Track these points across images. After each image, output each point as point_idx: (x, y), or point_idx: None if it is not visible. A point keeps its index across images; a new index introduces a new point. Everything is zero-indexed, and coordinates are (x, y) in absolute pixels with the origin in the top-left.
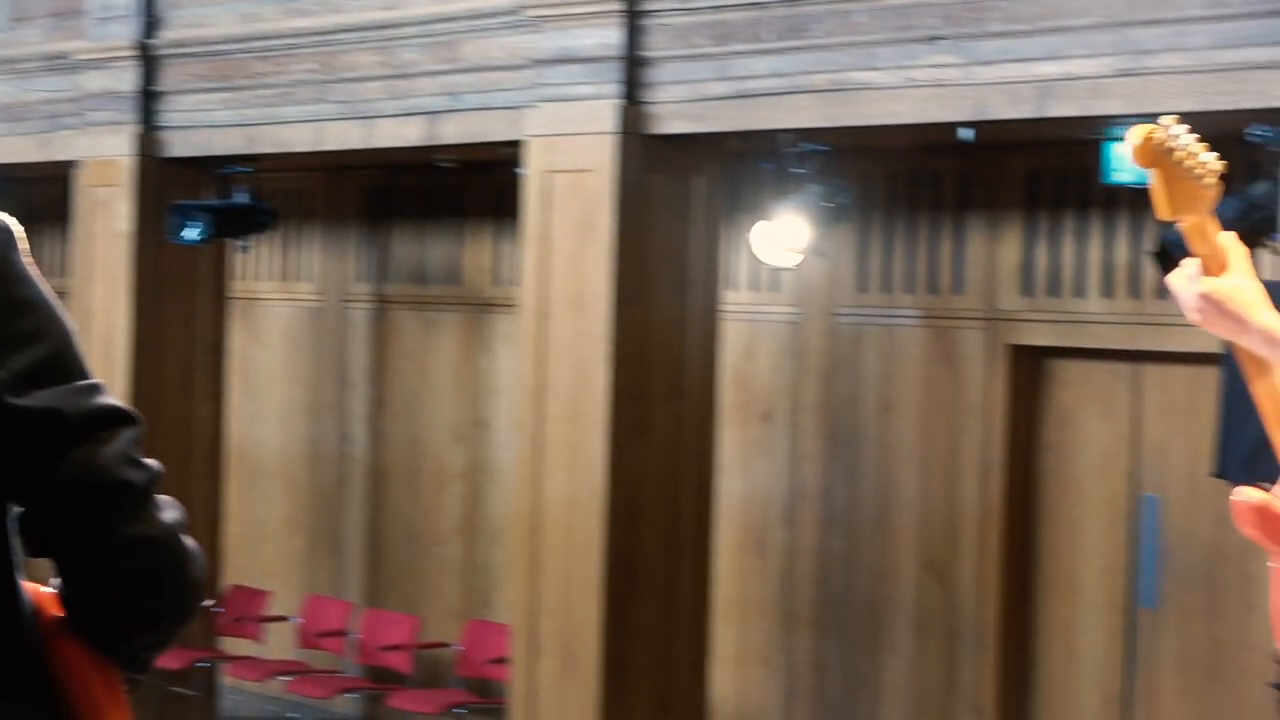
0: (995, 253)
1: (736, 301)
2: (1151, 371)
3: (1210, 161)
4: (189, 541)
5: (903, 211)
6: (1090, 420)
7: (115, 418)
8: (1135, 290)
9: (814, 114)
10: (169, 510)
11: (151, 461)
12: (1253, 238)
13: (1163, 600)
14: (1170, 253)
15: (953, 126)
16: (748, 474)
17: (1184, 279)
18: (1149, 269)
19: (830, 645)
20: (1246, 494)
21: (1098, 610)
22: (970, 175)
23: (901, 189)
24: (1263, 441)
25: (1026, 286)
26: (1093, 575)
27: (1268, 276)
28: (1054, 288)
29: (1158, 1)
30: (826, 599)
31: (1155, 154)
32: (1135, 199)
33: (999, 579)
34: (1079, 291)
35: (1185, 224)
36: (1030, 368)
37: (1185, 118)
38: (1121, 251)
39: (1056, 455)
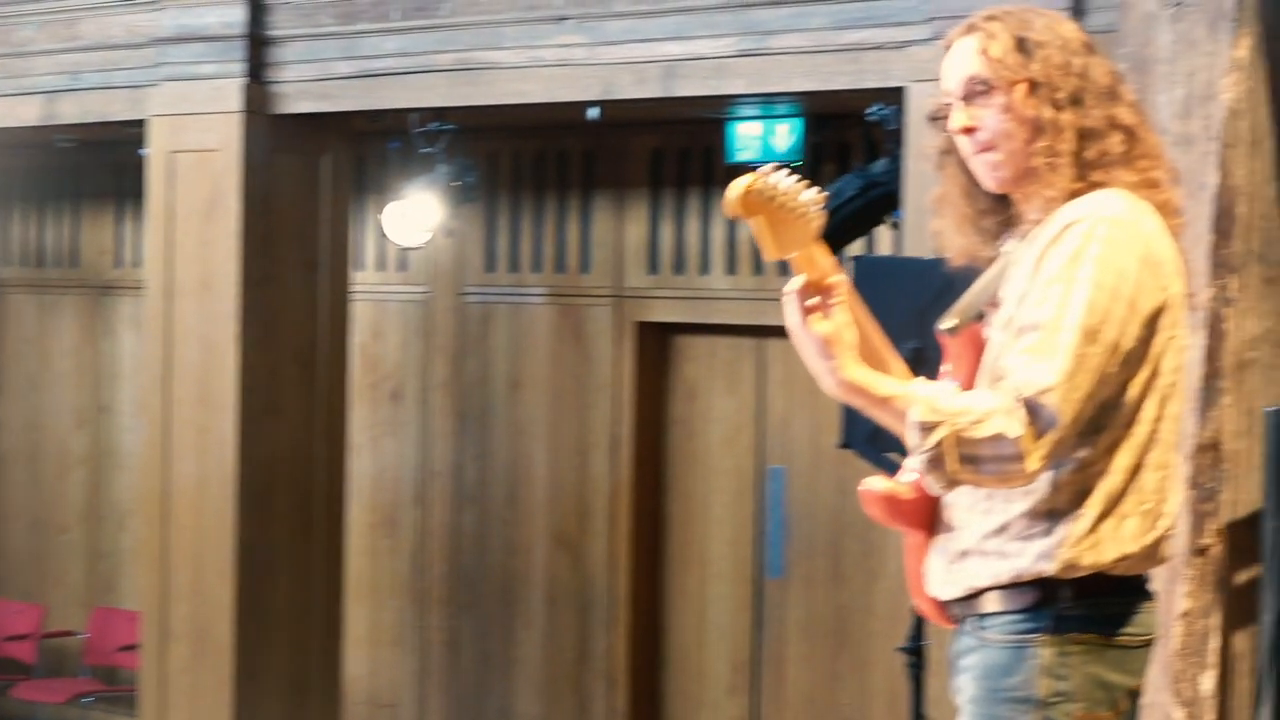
0: (621, 231)
1: (364, 281)
2: (775, 346)
3: (811, 197)
4: None
5: (530, 190)
6: (716, 395)
7: None
8: (758, 267)
9: (442, 93)
10: None
11: None
12: (873, 215)
13: (788, 569)
14: None
15: (580, 106)
16: (378, 453)
17: (796, 307)
18: None
19: (463, 622)
20: (874, 483)
21: (726, 580)
22: (596, 154)
23: (528, 168)
24: None
25: (653, 264)
26: (721, 546)
27: (888, 252)
28: (679, 265)
29: None
30: (459, 576)
31: (755, 203)
32: None
33: (629, 552)
34: (704, 268)
35: (794, 257)
36: (657, 344)
37: (807, 96)
38: (745, 229)
39: (684, 429)
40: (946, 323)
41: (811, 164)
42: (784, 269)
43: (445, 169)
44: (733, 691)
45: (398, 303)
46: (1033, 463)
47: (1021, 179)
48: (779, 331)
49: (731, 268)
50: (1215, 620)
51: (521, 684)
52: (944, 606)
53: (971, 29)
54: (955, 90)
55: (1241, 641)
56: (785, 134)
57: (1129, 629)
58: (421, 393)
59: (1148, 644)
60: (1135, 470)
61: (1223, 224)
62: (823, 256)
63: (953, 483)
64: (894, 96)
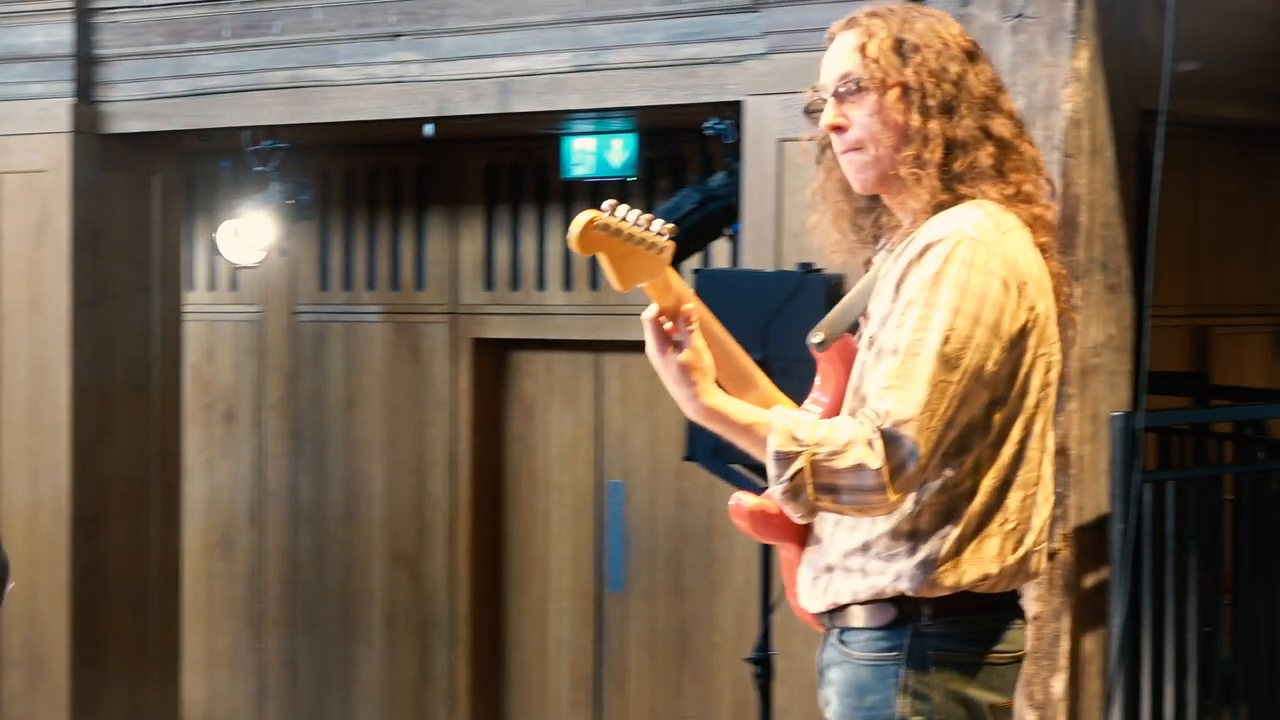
0: (457, 247)
1: (196, 302)
2: (612, 361)
3: (658, 228)
4: None
5: (363, 208)
6: (554, 410)
7: None
8: (595, 282)
9: (275, 111)
10: None
11: None
12: (712, 228)
13: (629, 583)
14: None
15: (415, 123)
16: (212, 475)
17: (652, 335)
18: None
19: (301, 643)
20: (742, 499)
21: (567, 595)
22: (430, 171)
23: (360, 185)
24: None
25: (488, 280)
26: (561, 561)
27: (725, 265)
28: (516, 281)
29: None
30: (296, 597)
31: (596, 239)
32: (594, 192)
33: (469, 570)
34: (540, 284)
35: (646, 287)
36: (494, 360)
37: (643, 111)
38: None
39: (523, 445)
40: (814, 337)
41: (646, 179)
42: None
43: (279, 187)
44: (575, 707)
45: (230, 323)
46: (893, 493)
47: (888, 182)
48: (616, 346)
49: (568, 283)
50: (1065, 623)
51: (362, 704)
52: (815, 616)
53: (852, 24)
54: (829, 86)
55: (1090, 644)
56: (620, 149)
57: (995, 646)
58: (255, 413)
59: (1016, 661)
60: (1000, 490)
61: (1065, 233)
62: (676, 284)
63: (813, 511)
64: (730, 110)
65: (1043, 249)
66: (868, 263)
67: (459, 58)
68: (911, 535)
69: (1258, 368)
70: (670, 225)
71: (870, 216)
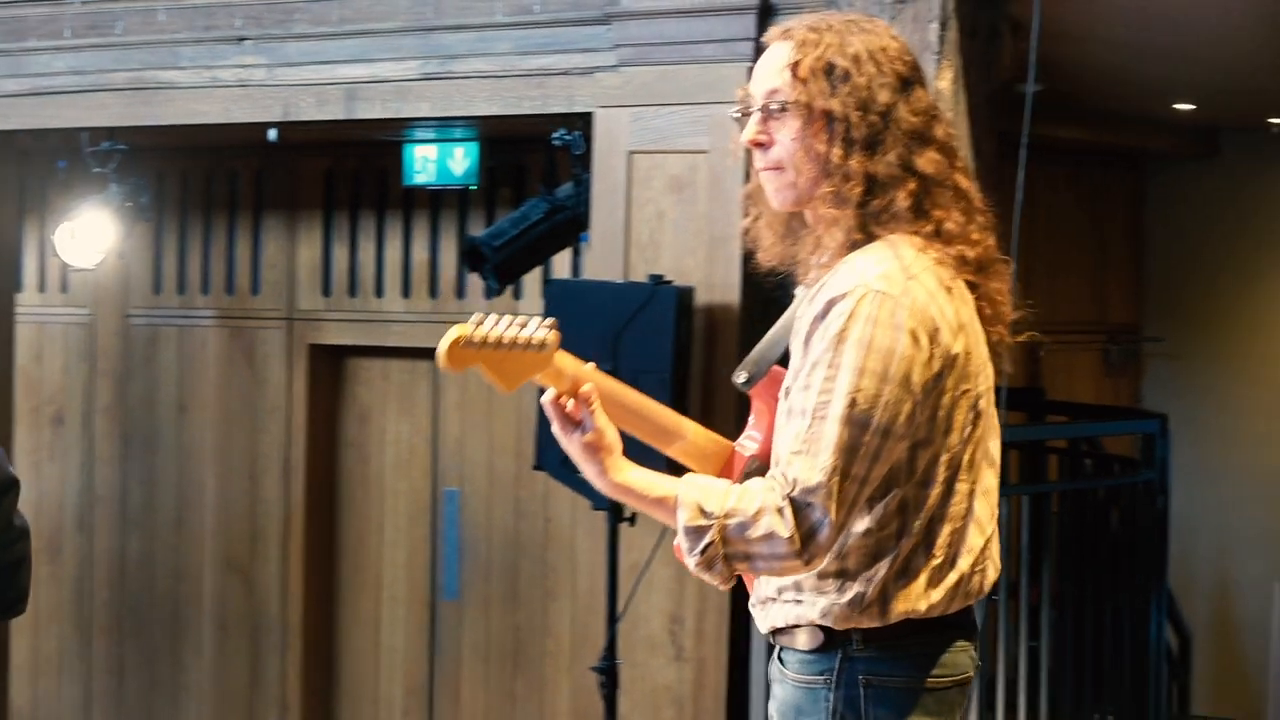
0: (294, 253)
1: (25, 304)
2: None
3: (533, 327)
4: None
5: (198, 212)
6: (390, 417)
7: None
8: (434, 290)
9: (115, 113)
10: None
11: None
12: (561, 239)
13: (464, 591)
14: (480, 251)
15: (259, 127)
16: (40, 479)
17: (554, 417)
18: (447, 269)
19: (129, 649)
20: None
21: (400, 603)
22: (267, 175)
23: (197, 189)
24: None
25: (326, 286)
26: (395, 569)
27: (573, 274)
28: (353, 288)
29: (463, 7)
30: (124, 603)
31: (467, 355)
32: (434, 200)
33: (302, 576)
34: (378, 291)
35: (540, 378)
36: (331, 367)
37: (488, 120)
38: (420, 252)
39: (358, 452)
40: (739, 377)
41: (488, 187)
42: (460, 292)
43: (117, 189)
44: (407, 714)
45: (59, 325)
46: (809, 558)
47: (806, 205)
48: None
49: (406, 291)
50: None
51: (190, 711)
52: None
53: (788, 35)
54: (757, 97)
55: None
56: (462, 158)
57: (930, 670)
58: (85, 417)
59: (958, 684)
60: (928, 527)
61: None
62: (570, 368)
63: (730, 577)
64: (578, 121)
65: (970, 286)
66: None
67: (305, 63)
68: (839, 575)
69: (1087, 384)
70: (551, 319)
71: (803, 221)
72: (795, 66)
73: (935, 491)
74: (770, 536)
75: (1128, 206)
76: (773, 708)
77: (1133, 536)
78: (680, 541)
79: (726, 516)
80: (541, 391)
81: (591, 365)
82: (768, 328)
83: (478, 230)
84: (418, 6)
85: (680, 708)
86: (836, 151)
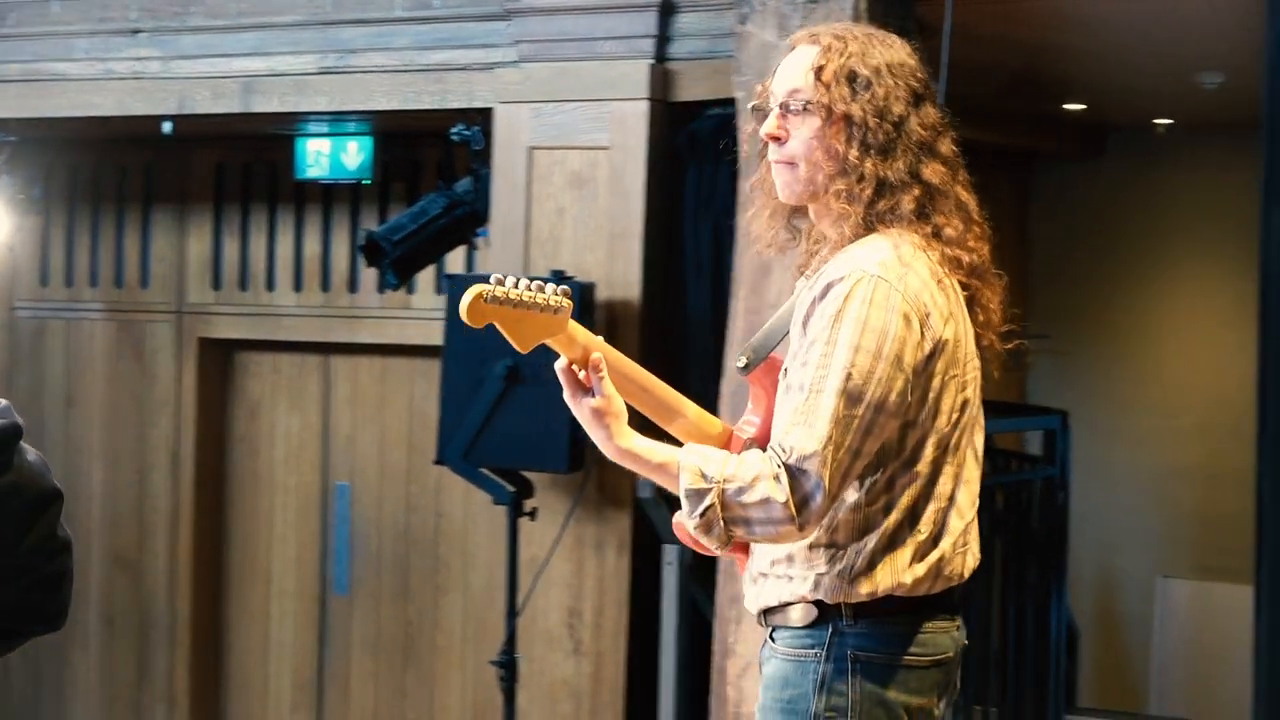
0: (184, 246)
1: None
2: (341, 363)
3: (550, 291)
4: None
5: (87, 204)
6: (280, 411)
7: None
8: (326, 284)
9: (8, 104)
10: None
11: None
12: (460, 234)
13: (354, 586)
14: (379, 246)
15: (153, 120)
16: None
17: (566, 384)
18: (339, 263)
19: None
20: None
21: (290, 598)
22: (157, 168)
23: (85, 181)
24: (478, 430)
25: (216, 280)
26: (285, 564)
27: (467, 270)
28: (244, 281)
29: (363, 1)
30: None
31: (485, 310)
32: (326, 195)
33: (191, 571)
34: (270, 285)
35: (550, 343)
36: (220, 361)
37: (391, 116)
38: (312, 246)
39: (247, 447)
40: (739, 361)
41: (382, 182)
42: (353, 286)
43: (8, 181)
44: (296, 709)
45: None
46: (803, 524)
47: (813, 201)
48: (346, 349)
49: (298, 285)
50: None
51: (77, 707)
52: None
53: (815, 39)
54: (778, 95)
55: None
56: (355, 152)
57: (910, 649)
58: None
59: (938, 664)
60: (914, 505)
61: None
62: (581, 336)
63: (727, 542)
64: (477, 116)
65: (963, 286)
66: (800, 268)
67: (201, 56)
68: (829, 547)
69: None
70: (565, 288)
71: (805, 216)
72: (820, 70)
73: (922, 471)
74: (766, 502)
75: (1015, 205)
76: (761, 687)
77: (1034, 532)
78: (682, 503)
79: (726, 482)
80: (448, 385)
81: (600, 338)
82: (667, 323)
83: (371, 225)
84: (316, 0)
85: (578, 702)
86: (854, 153)
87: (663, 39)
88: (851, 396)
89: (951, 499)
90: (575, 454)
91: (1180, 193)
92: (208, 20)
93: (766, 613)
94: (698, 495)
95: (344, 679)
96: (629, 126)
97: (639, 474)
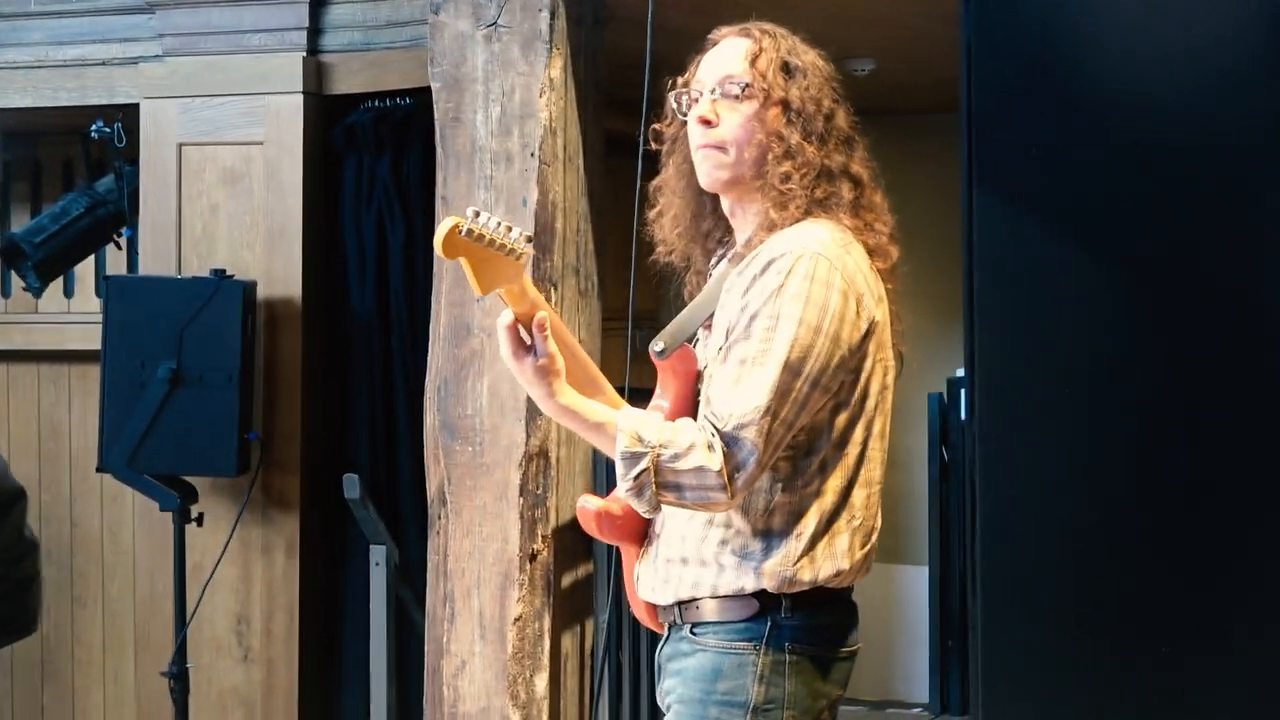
0: None
1: None
2: None
3: (516, 234)
4: None
5: None
6: None
7: None
8: None
9: None
10: None
11: None
12: (104, 234)
13: None
14: (19, 249)
15: None
16: None
17: (507, 339)
18: None
19: None
20: (588, 501)
21: None
22: None
23: None
24: (141, 436)
25: None
26: None
27: (129, 271)
28: None
29: None
30: None
31: (460, 245)
32: None
33: None
34: None
35: (503, 293)
36: None
37: (27, 114)
38: None
39: None
40: (656, 345)
41: (2, 183)
42: (4, 290)
43: None
44: None
45: None
46: (734, 492)
47: (736, 187)
48: None
49: None
50: (546, 623)
51: None
52: (655, 610)
53: (746, 33)
54: (709, 82)
55: (569, 641)
56: None
57: (840, 640)
58: None
59: (853, 655)
60: (846, 489)
61: (543, 239)
62: (531, 292)
63: (657, 506)
64: (117, 113)
65: (881, 275)
66: (699, 273)
67: None
68: (765, 534)
69: (617, 369)
70: (528, 234)
71: (713, 219)
72: (755, 58)
73: (853, 453)
74: (700, 469)
75: None
76: (675, 682)
77: None
78: (616, 465)
79: (661, 447)
80: (109, 390)
81: (541, 297)
82: (331, 320)
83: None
84: None
85: (250, 709)
86: (795, 136)
87: (314, 31)
88: (791, 369)
89: (879, 484)
90: (242, 457)
91: None
92: None
93: (684, 605)
94: (633, 458)
95: None
96: (283, 121)
97: (576, 432)
